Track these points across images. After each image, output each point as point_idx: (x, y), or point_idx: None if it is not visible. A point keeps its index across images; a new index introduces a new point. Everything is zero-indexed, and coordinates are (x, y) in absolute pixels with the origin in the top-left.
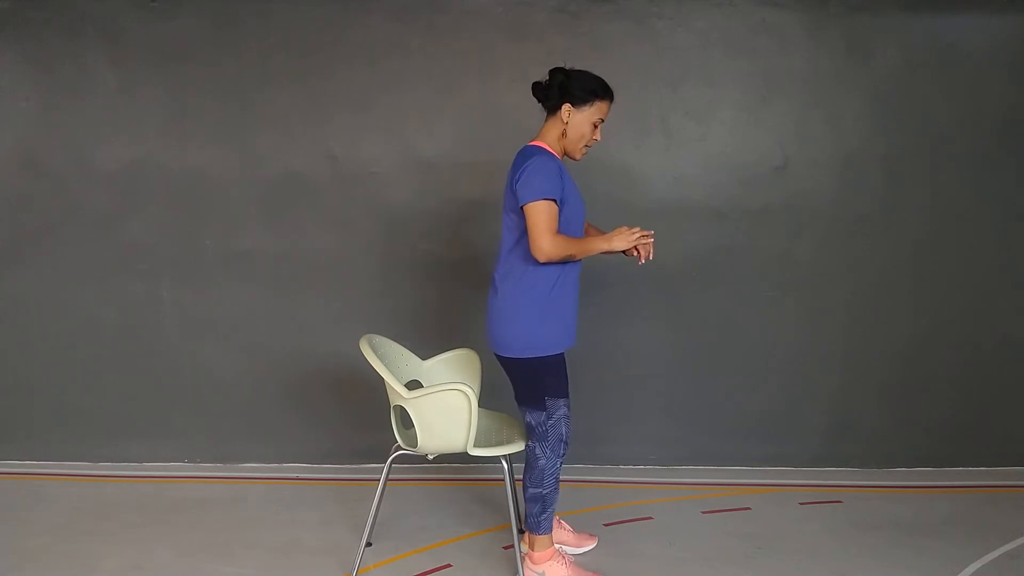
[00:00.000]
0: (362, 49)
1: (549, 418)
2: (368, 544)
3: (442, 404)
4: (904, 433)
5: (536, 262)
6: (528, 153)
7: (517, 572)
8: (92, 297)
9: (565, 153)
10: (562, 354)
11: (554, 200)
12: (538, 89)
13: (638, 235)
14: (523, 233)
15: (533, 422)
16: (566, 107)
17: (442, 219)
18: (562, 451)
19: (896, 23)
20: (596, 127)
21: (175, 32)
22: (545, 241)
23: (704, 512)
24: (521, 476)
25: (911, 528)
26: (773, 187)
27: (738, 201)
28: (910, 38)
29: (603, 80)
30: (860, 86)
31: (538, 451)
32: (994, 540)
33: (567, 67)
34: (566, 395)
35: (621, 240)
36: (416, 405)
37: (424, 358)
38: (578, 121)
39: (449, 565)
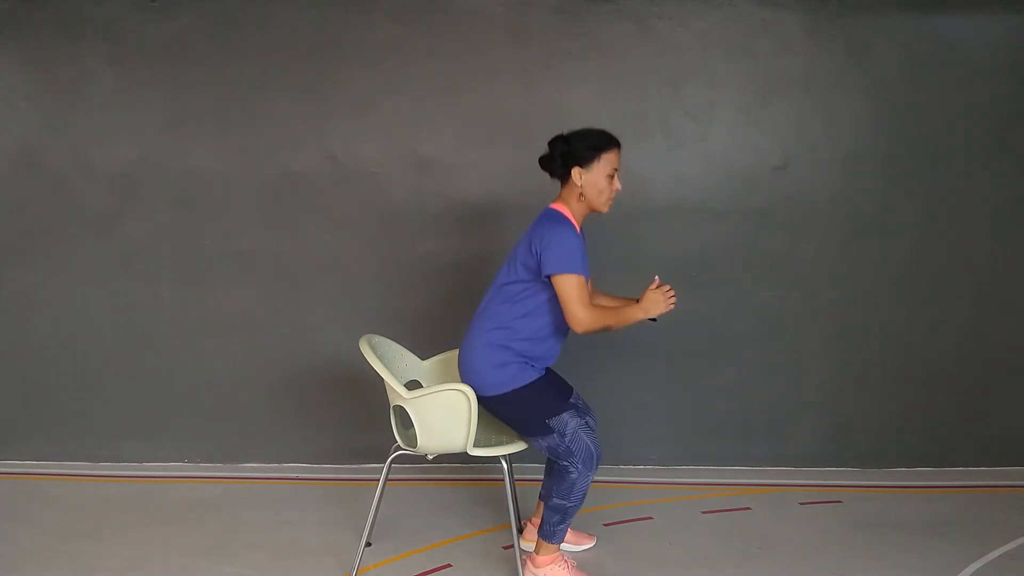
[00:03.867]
0: (362, 49)
1: (563, 436)
2: (368, 544)
3: (442, 404)
4: (904, 433)
5: (522, 318)
6: (554, 218)
7: (517, 572)
8: (92, 297)
9: (590, 210)
10: (538, 379)
11: (582, 275)
12: (545, 163)
13: (671, 296)
14: (525, 290)
15: (551, 445)
16: (576, 171)
17: (442, 219)
18: (594, 465)
19: (896, 23)
20: (612, 178)
21: (175, 33)
22: (583, 313)
23: (704, 512)
24: (542, 481)
25: (911, 528)
26: (773, 187)
27: (738, 201)
28: (910, 38)
29: (604, 132)
30: (860, 86)
31: (570, 468)
32: (994, 540)
33: (565, 132)
34: (568, 408)
35: (657, 306)
36: (416, 405)
37: (424, 358)
38: (591, 180)
39: (449, 565)
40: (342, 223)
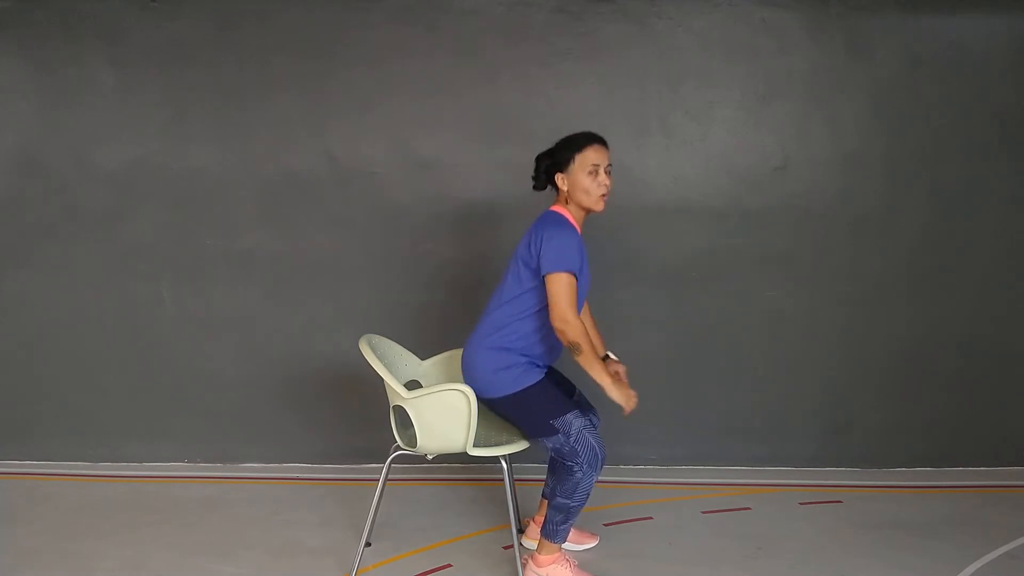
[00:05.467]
0: (362, 49)
1: (568, 436)
2: (367, 544)
3: (441, 404)
4: (904, 433)
5: (525, 317)
6: (554, 220)
7: (517, 572)
8: (92, 297)
9: (585, 212)
10: (542, 380)
11: (573, 273)
12: (536, 183)
13: (633, 402)
14: (528, 290)
15: (556, 446)
16: (558, 176)
17: (442, 219)
18: (598, 465)
19: (896, 23)
20: (594, 175)
21: (175, 33)
22: (569, 313)
23: (704, 512)
24: (545, 479)
25: (911, 528)
26: (773, 187)
27: (738, 201)
28: (910, 38)
29: (582, 133)
30: (860, 86)
31: (575, 468)
32: (994, 540)
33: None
34: (573, 408)
35: (619, 396)
36: (415, 405)
37: (423, 358)
38: (573, 181)
39: (449, 565)
40: (342, 223)
